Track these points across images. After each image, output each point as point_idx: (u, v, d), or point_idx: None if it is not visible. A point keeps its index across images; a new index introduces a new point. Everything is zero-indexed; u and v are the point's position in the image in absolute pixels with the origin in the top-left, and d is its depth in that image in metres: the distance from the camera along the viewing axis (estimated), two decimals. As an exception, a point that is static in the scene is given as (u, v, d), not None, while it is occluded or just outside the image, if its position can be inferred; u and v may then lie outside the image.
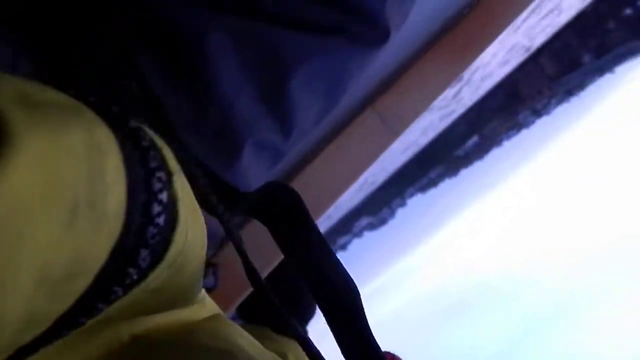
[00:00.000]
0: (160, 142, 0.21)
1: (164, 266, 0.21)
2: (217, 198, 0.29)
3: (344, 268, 0.29)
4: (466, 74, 1.28)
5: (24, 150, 0.13)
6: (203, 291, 0.30)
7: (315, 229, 0.30)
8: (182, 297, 0.25)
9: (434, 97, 0.77)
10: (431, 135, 3.80)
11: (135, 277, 0.19)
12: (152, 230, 0.19)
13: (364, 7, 0.36)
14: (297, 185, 0.75)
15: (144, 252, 0.19)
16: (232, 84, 0.34)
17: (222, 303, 0.32)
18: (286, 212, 0.30)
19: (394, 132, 0.76)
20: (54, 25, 0.31)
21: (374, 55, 0.40)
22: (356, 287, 0.28)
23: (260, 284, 0.28)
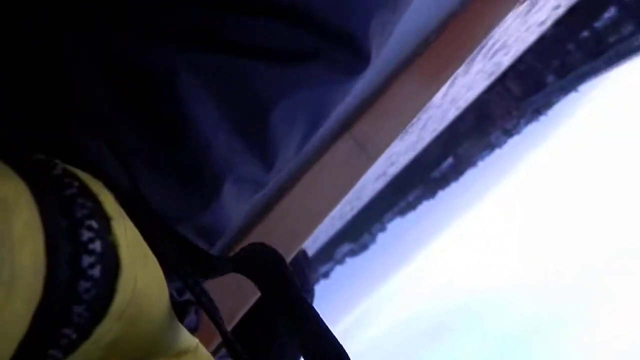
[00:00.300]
0: (95, 187, 0.19)
1: (111, 319, 0.18)
2: (188, 269, 0.28)
3: (330, 332, 0.28)
4: (436, 99, 1.31)
5: None
6: (196, 341, 0.28)
7: (297, 293, 0.28)
8: (154, 346, 0.23)
9: (408, 120, 0.78)
10: (405, 160, 3.85)
11: (74, 336, 0.17)
12: (84, 284, 0.17)
13: (346, 32, 0.35)
14: (276, 214, 0.74)
15: (77, 309, 0.17)
16: (209, 123, 0.32)
17: (205, 342, 0.31)
18: (269, 276, 0.29)
19: (371, 157, 0.76)
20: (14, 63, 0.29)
21: (356, 81, 0.39)
22: (345, 352, 0.28)
23: (235, 350, 0.27)
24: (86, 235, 0.18)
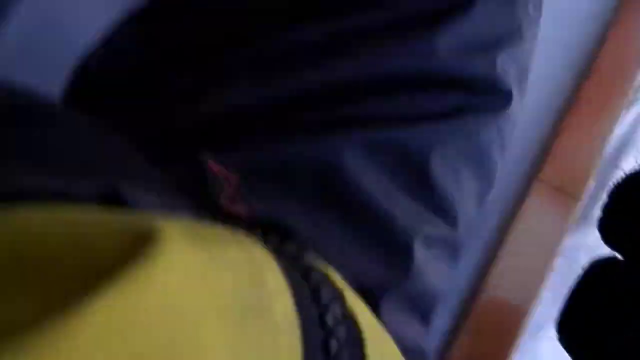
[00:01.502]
0: (339, 282, 0.20)
1: None
2: None
3: None
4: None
5: (173, 253, 0.11)
6: None
7: None
8: None
9: (599, 149, 0.72)
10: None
11: None
12: (334, 344, 0.17)
13: (476, 78, 0.36)
14: (493, 283, 0.71)
15: None
16: (383, 193, 0.34)
17: None
18: None
19: (574, 196, 0.70)
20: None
21: (506, 117, 0.39)
22: None
23: None
24: (326, 297, 0.18)
